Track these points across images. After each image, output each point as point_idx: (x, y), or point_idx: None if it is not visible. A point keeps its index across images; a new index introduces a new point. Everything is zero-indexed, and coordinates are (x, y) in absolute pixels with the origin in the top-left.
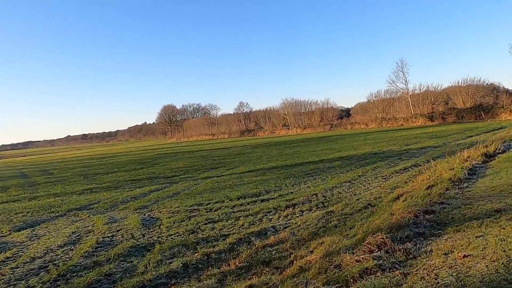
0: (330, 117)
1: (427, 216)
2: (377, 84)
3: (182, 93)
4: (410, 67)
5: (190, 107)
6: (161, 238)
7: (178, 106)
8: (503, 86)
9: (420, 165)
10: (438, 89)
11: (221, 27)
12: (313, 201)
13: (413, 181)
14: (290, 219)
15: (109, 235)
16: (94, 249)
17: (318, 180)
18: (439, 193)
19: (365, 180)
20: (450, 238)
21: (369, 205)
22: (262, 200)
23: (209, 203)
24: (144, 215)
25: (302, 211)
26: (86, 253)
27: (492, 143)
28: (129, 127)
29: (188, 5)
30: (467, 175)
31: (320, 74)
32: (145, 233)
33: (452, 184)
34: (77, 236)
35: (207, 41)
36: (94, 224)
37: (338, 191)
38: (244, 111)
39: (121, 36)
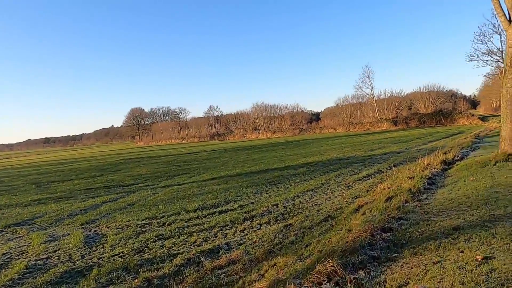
0: (299, 121)
1: (384, 235)
2: (346, 89)
3: (151, 95)
4: (375, 73)
5: (159, 110)
6: (102, 260)
7: (147, 109)
8: (461, 93)
9: (383, 172)
10: (402, 94)
11: (191, 28)
12: (273, 212)
13: (374, 190)
14: (247, 234)
15: (44, 256)
16: (21, 276)
17: (281, 188)
18: (398, 206)
19: (327, 189)
20: (406, 264)
21: (329, 217)
22: (220, 212)
23: (164, 216)
24: (90, 231)
25: (260, 224)
26: (11, 281)
27: (451, 150)
28: (95, 131)
29: (158, 3)
30: (426, 184)
31: (291, 79)
32: (86, 253)
33: (412, 195)
34: (7, 258)
35: (177, 42)
36: (30, 243)
37: (300, 201)
38: (214, 115)
39: (88, 35)
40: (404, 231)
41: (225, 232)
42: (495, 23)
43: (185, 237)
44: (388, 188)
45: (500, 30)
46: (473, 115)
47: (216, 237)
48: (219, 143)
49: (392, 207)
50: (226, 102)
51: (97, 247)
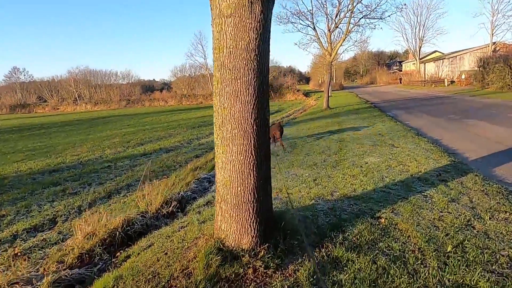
0: (130, 92)
1: None
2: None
3: None
4: (208, 40)
5: None
6: None
7: None
8: (298, 69)
9: (78, 216)
10: None
11: None
12: None
13: None
14: None
15: None
16: None
17: None
18: None
19: None
20: None
21: None
22: None
23: None
24: None
25: None
26: None
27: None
28: None
29: None
30: None
31: (130, 44)
32: None
33: None
34: None
35: None
36: None
37: None
38: (20, 80)
39: None
40: None
41: None
42: None
43: None
44: None
45: None
46: (298, 90)
47: None
48: (15, 118)
49: None
50: (39, 64)
51: None
